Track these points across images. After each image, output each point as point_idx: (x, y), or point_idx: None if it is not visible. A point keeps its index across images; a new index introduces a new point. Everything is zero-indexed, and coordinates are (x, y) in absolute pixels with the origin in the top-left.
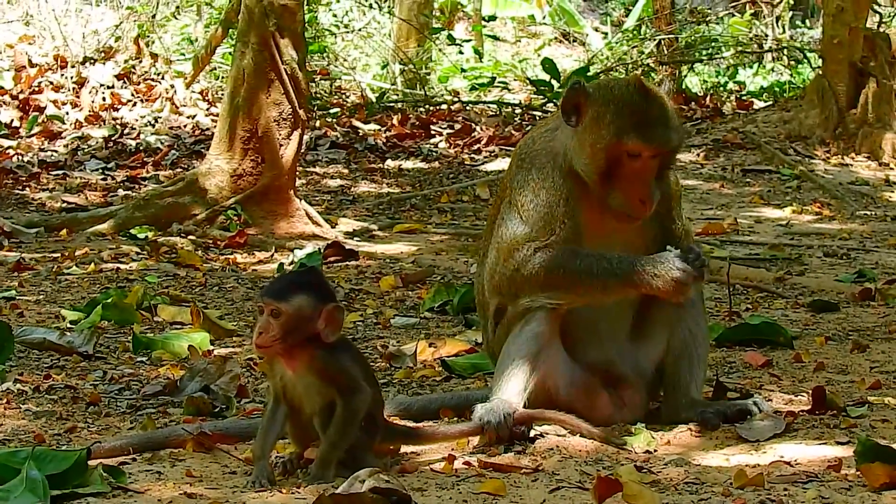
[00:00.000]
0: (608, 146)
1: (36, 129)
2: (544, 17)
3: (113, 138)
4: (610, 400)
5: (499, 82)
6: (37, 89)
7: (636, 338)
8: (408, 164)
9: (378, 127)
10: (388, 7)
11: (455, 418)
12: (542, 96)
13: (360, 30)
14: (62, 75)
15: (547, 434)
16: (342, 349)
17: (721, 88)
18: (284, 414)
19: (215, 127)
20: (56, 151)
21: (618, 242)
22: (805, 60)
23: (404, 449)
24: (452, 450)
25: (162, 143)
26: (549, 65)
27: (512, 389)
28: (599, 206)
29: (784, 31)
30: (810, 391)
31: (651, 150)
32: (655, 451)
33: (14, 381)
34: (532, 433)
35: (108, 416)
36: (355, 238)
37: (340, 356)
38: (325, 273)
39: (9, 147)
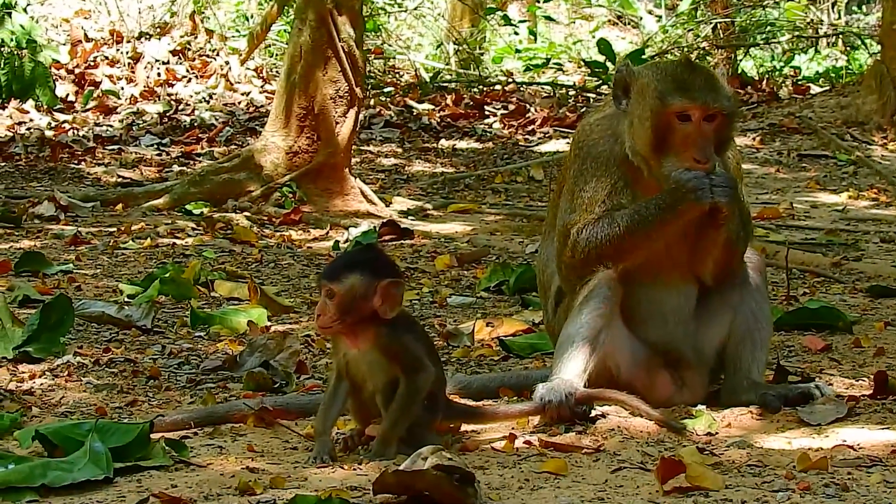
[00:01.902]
0: (654, 112)
1: (91, 104)
2: None
3: (168, 114)
4: (671, 380)
5: (553, 63)
6: (92, 64)
7: (699, 319)
8: (462, 144)
9: (432, 106)
10: None
11: (514, 397)
12: (596, 78)
13: (414, 9)
14: (118, 50)
15: (608, 414)
16: (406, 327)
17: (777, 73)
18: (346, 390)
19: (269, 104)
20: (111, 126)
21: (678, 231)
22: (862, 46)
23: (465, 427)
24: (513, 429)
25: (216, 119)
26: (604, 46)
27: (572, 369)
28: (657, 191)
29: (840, 17)
30: (871, 376)
31: (697, 108)
32: (717, 433)
33: (74, 354)
34: (593, 413)
35: (168, 391)
36: (410, 217)
37: (404, 334)
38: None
39: (64, 121)
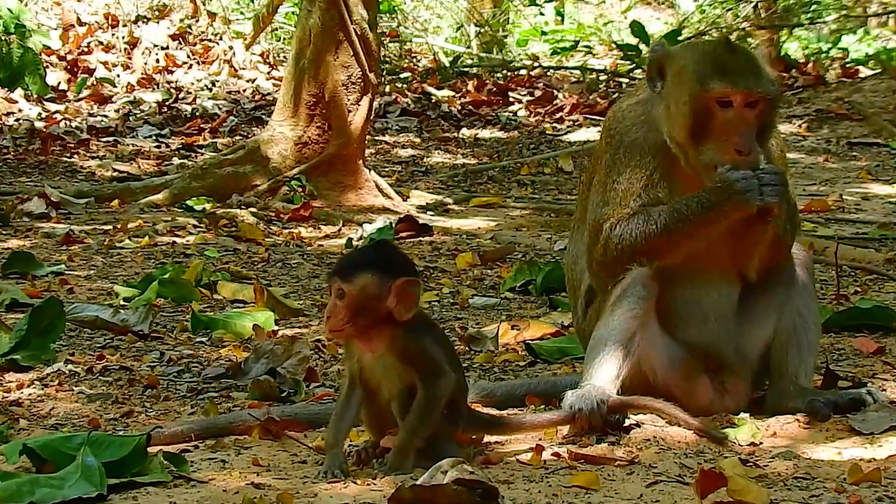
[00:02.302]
0: (694, 97)
1: (85, 93)
2: None
3: (167, 103)
4: (711, 386)
5: (582, 46)
6: (86, 50)
7: (741, 320)
8: (484, 134)
9: (452, 93)
10: None
11: (542, 406)
12: (629, 62)
13: None
14: (113, 35)
15: (643, 423)
16: (424, 329)
17: (823, 55)
18: (360, 399)
19: (277, 91)
20: (106, 116)
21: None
22: None
23: (488, 438)
24: (540, 440)
25: (219, 108)
26: (637, 28)
27: (604, 375)
28: (695, 181)
29: None
30: None
31: (740, 93)
32: (761, 443)
33: (66, 362)
34: (627, 422)
35: (167, 400)
36: (428, 212)
37: (422, 337)
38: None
39: (56, 112)
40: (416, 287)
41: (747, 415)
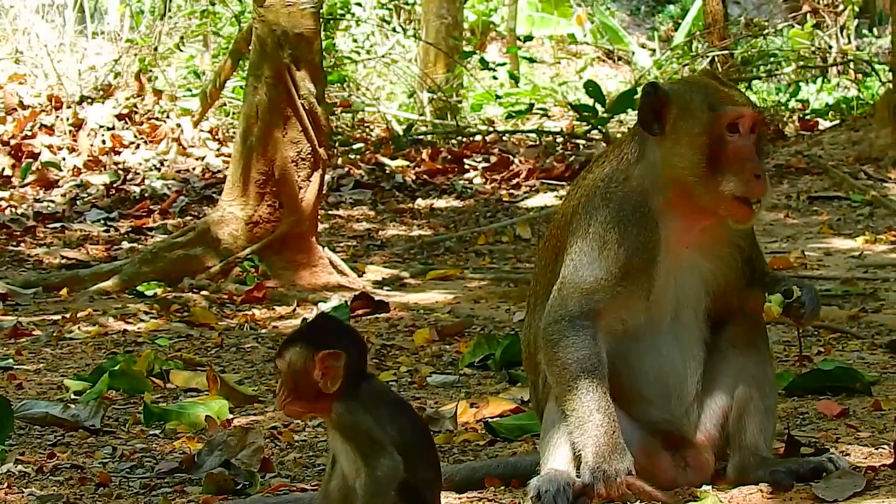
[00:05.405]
0: (708, 126)
1: (30, 178)
2: (585, 35)
3: (115, 185)
4: (673, 462)
5: (537, 109)
6: (30, 134)
7: (699, 392)
8: (440, 203)
9: (406, 163)
10: (414, 30)
11: (502, 487)
12: (585, 122)
13: (383, 56)
14: (57, 117)
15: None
16: (366, 404)
17: (782, 107)
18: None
19: (227, 169)
20: (53, 202)
21: (701, 279)
22: (873, 73)
23: None
24: None
25: (169, 188)
26: (592, 88)
27: (561, 457)
28: (684, 237)
29: (850, 42)
30: (892, 443)
31: (748, 115)
32: None
33: (15, 462)
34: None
35: (119, 498)
36: (385, 287)
37: (357, 411)
38: (355, 327)
39: (1, 199)
40: (338, 360)
41: (710, 487)
